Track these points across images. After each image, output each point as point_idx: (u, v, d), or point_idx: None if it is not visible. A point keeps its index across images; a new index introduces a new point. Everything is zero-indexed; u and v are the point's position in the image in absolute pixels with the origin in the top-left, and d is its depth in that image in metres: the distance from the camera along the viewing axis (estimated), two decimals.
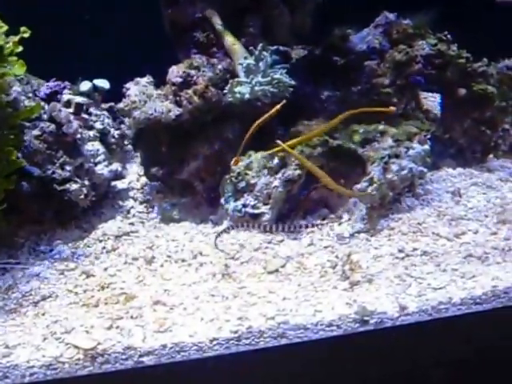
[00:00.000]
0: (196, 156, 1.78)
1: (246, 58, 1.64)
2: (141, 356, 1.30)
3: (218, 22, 1.77)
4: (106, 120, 2.03)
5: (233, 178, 1.68)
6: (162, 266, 1.58)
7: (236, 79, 1.65)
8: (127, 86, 1.81)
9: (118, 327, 1.35)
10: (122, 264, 1.60)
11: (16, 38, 1.54)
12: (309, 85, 1.90)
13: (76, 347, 1.31)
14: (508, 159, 2.09)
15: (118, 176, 1.96)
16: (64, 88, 2.02)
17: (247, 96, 1.63)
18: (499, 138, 2.12)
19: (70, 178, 1.75)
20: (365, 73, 1.85)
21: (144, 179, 1.99)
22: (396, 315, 1.36)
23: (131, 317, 1.38)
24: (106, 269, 1.60)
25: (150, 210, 1.91)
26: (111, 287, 1.52)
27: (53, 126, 1.73)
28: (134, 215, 1.90)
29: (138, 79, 1.81)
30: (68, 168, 1.76)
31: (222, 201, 1.72)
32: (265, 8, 1.79)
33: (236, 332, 1.32)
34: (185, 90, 1.67)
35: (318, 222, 1.69)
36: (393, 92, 1.83)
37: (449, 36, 1.92)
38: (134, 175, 2.04)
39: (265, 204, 1.64)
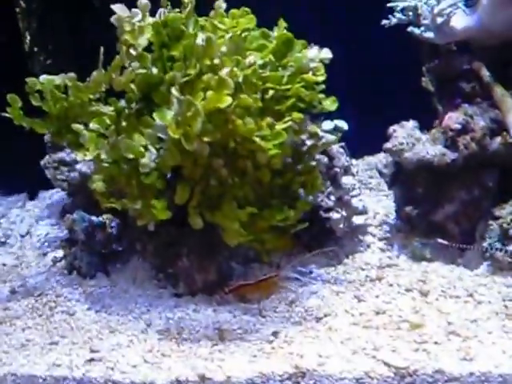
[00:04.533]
0: (452, 199, 1.85)
1: None
2: None
3: (486, 74, 1.86)
4: (347, 158, 2.15)
5: (504, 225, 1.73)
6: (437, 299, 1.64)
7: None
8: (393, 128, 1.92)
9: None
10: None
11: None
12: None
13: None
14: None
15: (364, 211, 2.05)
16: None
17: None
18: None
19: (333, 208, 1.87)
20: None
21: (380, 217, 2.09)
22: None
23: None
24: (377, 296, 1.68)
25: (390, 247, 1.99)
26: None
27: (326, 159, 1.87)
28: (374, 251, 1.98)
29: (404, 123, 1.92)
30: (332, 198, 1.87)
31: (486, 245, 1.77)
32: None
33: None
34: (462, 136, 1.76)
35: None
36: None
37: None
38: (371, 212, 2.13)
39: None
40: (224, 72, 1.40)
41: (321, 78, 1.56)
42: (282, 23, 1.65)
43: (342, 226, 1.88)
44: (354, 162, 2.28)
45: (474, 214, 1.84)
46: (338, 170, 1.92)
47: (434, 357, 1.39)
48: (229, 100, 1.37)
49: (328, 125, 2.20)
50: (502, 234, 1.74)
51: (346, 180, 1.98)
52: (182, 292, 1.70)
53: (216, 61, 1.42)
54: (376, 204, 2.15)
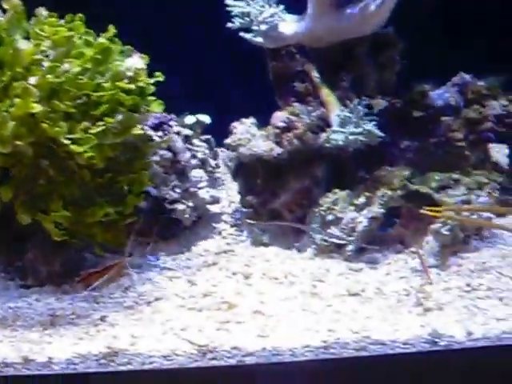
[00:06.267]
0: (287, 190, 2.04)
1: (342, 110, 1.91)
2: None
3: (315, 75, 2.04)
4: (206, 151, 2.32)
5: (322, 212, 1.93)
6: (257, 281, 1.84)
7: (333, 128, 1.92)
8: (234, 124, 2.10)
9: None
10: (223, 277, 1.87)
11: (152, 80, 1.84)
12: (389, 134, 2.14)
13: None
14: None
15: (215, 201, 2.24)
16: (170, 120, 2.33)
17: (341, 143, 1.89)
18: None
19: (178, 200, 2.04)
20: (441, 126, 2.09)
21: (234, 205, 2.27)
22: (463, 339, 1.57)
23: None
24: (207, 280, 1.87)
25: (240, 233, 2.18)
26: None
27: (170, 154, 2.04)
28: (224, 237, 2.17)
29: (244, 119, 2.09)
30: (178, 190, 2.05)
31: (309, 231, 1.98)
32: (356, 65, 2.06)
33: (325, 342, 1.55)
34: (286, 133, 1.95)
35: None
36: (466, 146, 2.08)
37: None
38: (225, 201, 2.31)
39: (349, 236, 1.89)
40: (32, 80, 1.54)
41: (143, 84, 1.71)
42: (111, 30, 1.79)
43: (188, 216, 2.06)
44: (220, 154, 2.47)
45: (305, 202, 2.04)
46: (185, 163, 2.09)
47: (234, 334, 1.58)
48: (37, 107, 1.52)
49: (190, 119, 2.38)
50: (321, 220, 1.94)
51: (196, 173, 2.16)
52: (31, 284, 1.86)
53: (22, 69, 1.56)
54: (233, 193, 2.32)
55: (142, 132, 1.73)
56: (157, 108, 1.81)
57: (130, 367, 1.51)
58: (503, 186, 2.13)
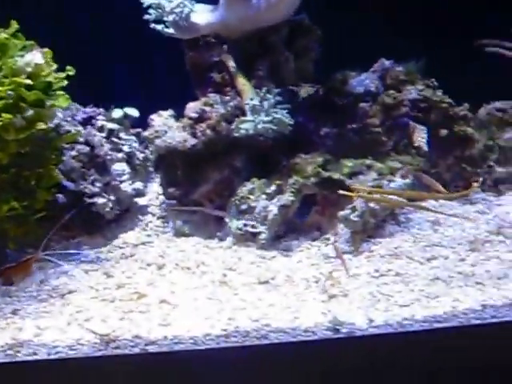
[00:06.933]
0: (208, 180, 2.05)
1: (252, 98, 1.92)
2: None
3: (231, 65, 2.05)
4: (134, 144, 2.33)
5: (237, 201, 1.94)
6: (170, 272, 1.86)
7: (241, 117, 1.93)
8: (152, 117, 2.10)
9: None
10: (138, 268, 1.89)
11: (63, 75, 1.84)
12: (312, 121, 2.16)
13: None
14: (491, 193, 2.30)
15: (140, 193, 2.25)
16: (99, 114, 2.34)
17: (251, 132, 1.90)
18: (485, 174, 2.34)
19: (98, 193, 2.05)
20: (359, 113, 2.11)
21: (162, 197, 2.28)
22: (365, 326, 1.59)
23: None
24: (123, 271, 1.88)
25: (166, 224, 2.19)
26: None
27: (87, 149, 2.04)
28: (151, 228, 2.18)
29: (161, 112, 2.10)
30: (98, 184, 2.06)
31: (227, 220, 1.99)
32: (272, 54, 2.06)
33: (225, 330, 1.57)
34: (199, 124, 1.96)
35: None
36: (382, 131, 2.09)
37: (435, 82, 2.17)
38: (154, 194, 2.32)
39: (262, 225, 1.91)
40: None
41: (45, 79, 1.72)
42: (14, 25, 1.79)
43: (109, 209, 2.07)
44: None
45: (226, 192, 2.05)
46: (105, 157, 2.10)
47: (136, 324, 1.60)
48: None
49: (117, 113, 2.38)
50: (237, 210, 1.96)
51: (118, 166, 2.16)
52: None
53: None
54: (159, 186, 2.32)
55: (46, 127, 1.73)
56: (64, 103, 1.81)
57: (36, 357, 1.55)
58: (424, 170, 2.15)
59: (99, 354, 1.55)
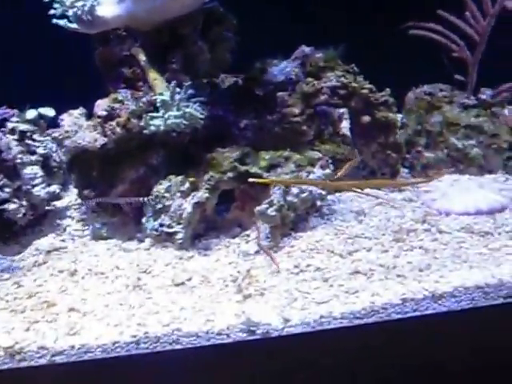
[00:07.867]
0: (123, 180, 1.96)
1: (161, 93, 1.83)
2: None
3: (142, 59, 1.96)
4: (50, 145, 2.23)
5: (151, 201, 1.87)
6: (83, 278, 1.77)
7: (150, 114, 1.84)
8: (62, 117, 2.00)
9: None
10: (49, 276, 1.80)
11: None
12: (232, 113, 2.09)
13: None
14: (420, 179, 2.27)
15: (57, 197, 2.15)
16: (12, 115, 2.23)
17: (162, 128, 1.82)
18: (414, 159, 2.32)
19: (8, 199, 1.95)
20: (278, 103, 2.04)
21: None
22: (280, 326, 1.53)
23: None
24: (35, 280, 1.79)
25: (86, 227, 2.10)
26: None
27: None
28: (69, 233, 2.09)
29: (72, 111, 2.00)
30: (7, 190, 1.95)
31: (144, 220, 1.91)
32: (185, 45, 1.98)
33: (135, 336, 1.50)
34: (109, 122, 1.86)
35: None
36: (303, 121, 2.03)
37: (355, 68, 2.12)
38: (74, 196, 2.22)
39: (178, 224, 1.83)
40: None
41: None
42: None
43: (21, 215, 1.97)
44: None
45: (143, 191, 1.96)
46: (15, 161, 1.99)
47: (42, 334, 1.52)
48: None
49: (31, 114, 2.28)
50: (152, 209, 1.88)
51: (31, 170, 2.06)
52: None
53: None
54: None
55: None
56: None
57: None
58: (349, 158, 2.11)
59: (5, 367, 1.48)
